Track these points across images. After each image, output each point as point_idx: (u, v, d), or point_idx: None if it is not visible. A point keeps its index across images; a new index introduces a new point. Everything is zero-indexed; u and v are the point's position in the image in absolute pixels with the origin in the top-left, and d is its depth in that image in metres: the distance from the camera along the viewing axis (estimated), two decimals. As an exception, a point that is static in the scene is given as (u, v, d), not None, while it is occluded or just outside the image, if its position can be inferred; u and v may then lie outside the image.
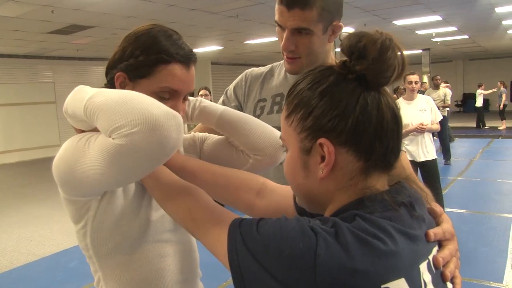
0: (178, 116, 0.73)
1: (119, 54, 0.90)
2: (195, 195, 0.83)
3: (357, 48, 0.64)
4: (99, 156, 0.72)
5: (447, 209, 4.34)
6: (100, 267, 0.92)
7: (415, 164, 4.22)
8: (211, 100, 6.30)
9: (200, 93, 5.81)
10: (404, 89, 4.33)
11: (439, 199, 4.17)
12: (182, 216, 0.81)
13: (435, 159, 4.32)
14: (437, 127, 4.28)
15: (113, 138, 0.70)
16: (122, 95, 0.73)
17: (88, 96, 0.76)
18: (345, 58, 0.67)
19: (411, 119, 4.17)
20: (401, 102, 4.37)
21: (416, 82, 4.24)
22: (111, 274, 0.91)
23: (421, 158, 4.22)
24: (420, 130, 4.12)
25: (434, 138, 5.09)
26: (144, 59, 0.87)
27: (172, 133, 0.70)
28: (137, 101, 0.71)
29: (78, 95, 0.79)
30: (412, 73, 4.33)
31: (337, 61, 0.69)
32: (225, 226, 0.67)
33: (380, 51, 0.62)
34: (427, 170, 4.26)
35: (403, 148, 1.19)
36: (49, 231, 5.13)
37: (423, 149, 4.23)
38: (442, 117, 4.30)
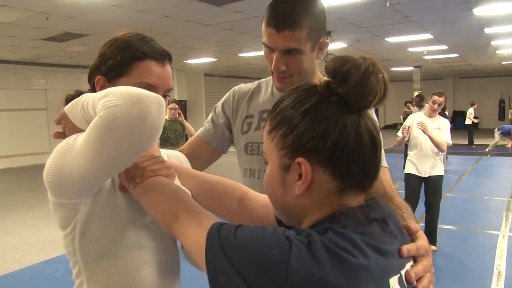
0: (161, 98, 0.78)
1: (99, 59, 0.97)
2: (178, 195, 0.84)
3: (341, 72, 0.66)
4: (85, 137, 0.76)
5: (435, 225, 4.35)
6: (85, 271, 0.92)
7: (419, 178, 4.22)
8: (178, 113, 6.11)
9: (169, 106, 5.61)
10: (411, 102, 4.29)
11: (434, 216, 4.19)
12: (163, 213, 0.82)
13: (441, 176, 4.25)
14: (441, 142, 4.05)
15: (98, 113, 0.74)
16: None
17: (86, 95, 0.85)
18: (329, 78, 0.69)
19: (423, 134, 4.08)
20: (421, 115, 4.36)
21: (440, 104, 4.18)
22: (96, 277, 0.91)
23: (426, 173, 4.20)
24: (420, 127, 4.02)
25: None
26: (121, 58, 0.93)
27: (152, 108, 0.74)
28: (128, 86, 0.79)
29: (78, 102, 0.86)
30: (440, 94, 4.23)
31: (321, 81, 0.70)
32: (205, 229, 0.69)
33: (363, 76, 0.64)
34: (430, 185, 4.24)
35: (383, 164, 1.21)
36: (35, 240, 5.06)
37: (426, 164, 4.19)
38: (451, 144, 4.23)
